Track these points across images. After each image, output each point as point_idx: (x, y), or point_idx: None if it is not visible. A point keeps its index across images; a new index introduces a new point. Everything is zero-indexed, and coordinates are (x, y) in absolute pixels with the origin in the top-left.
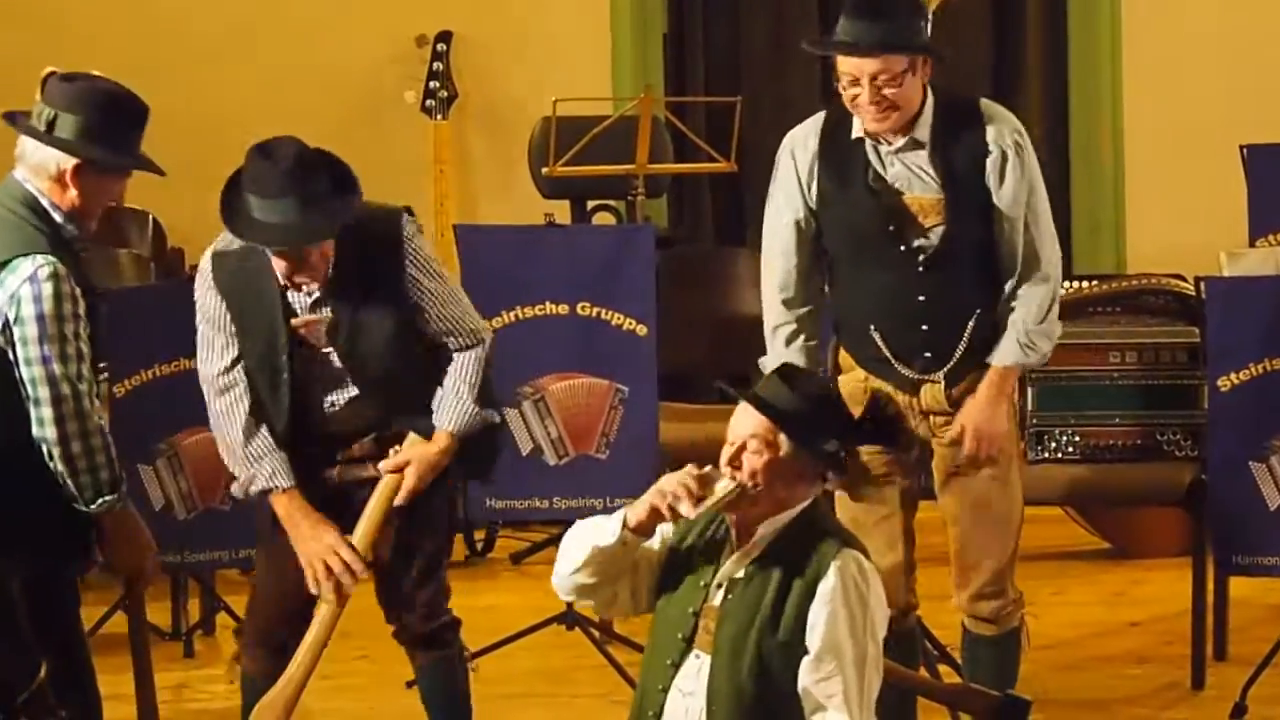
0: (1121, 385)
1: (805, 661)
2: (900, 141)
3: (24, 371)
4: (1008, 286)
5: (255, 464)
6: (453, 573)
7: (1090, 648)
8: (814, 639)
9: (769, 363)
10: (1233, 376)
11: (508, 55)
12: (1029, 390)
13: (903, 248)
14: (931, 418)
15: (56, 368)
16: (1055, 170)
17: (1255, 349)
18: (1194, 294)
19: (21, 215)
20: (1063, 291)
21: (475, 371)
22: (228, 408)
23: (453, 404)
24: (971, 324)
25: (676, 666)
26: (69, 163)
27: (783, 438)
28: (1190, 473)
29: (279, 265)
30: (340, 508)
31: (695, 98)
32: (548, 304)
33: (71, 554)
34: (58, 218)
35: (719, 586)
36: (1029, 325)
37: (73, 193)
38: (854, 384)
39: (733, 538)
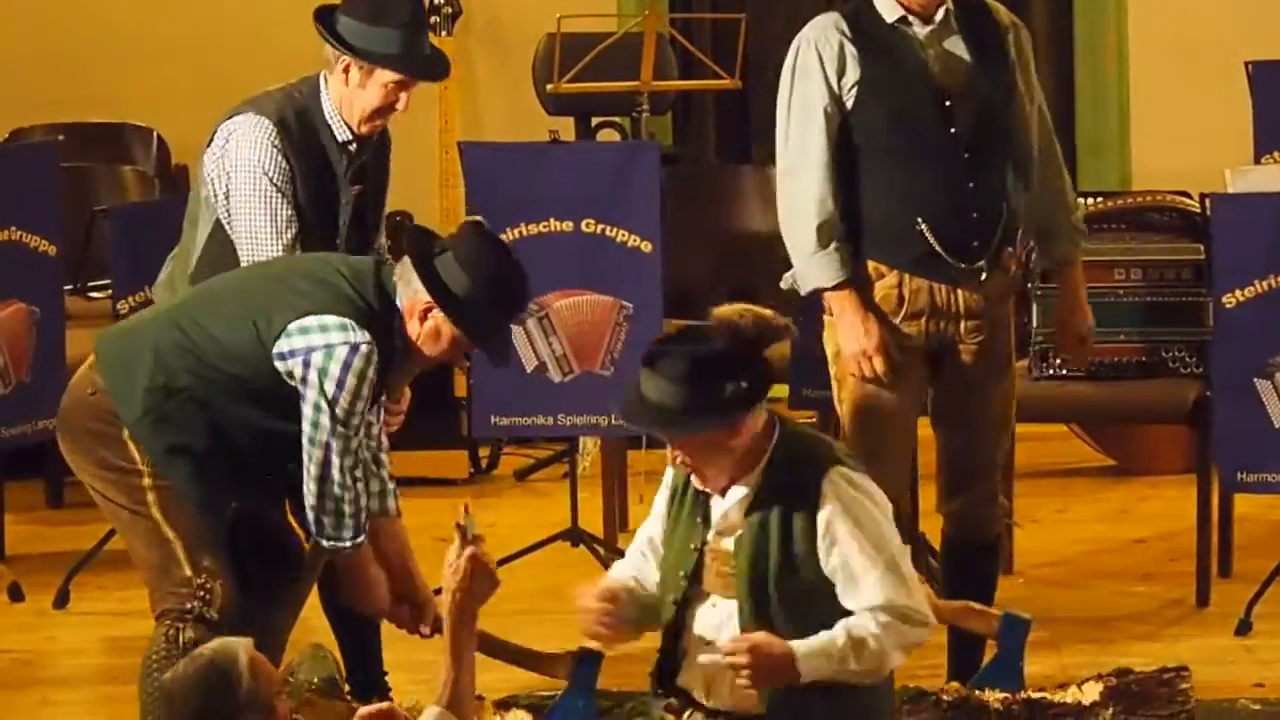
0: (1126, 302)
1: (840, 592)
2: (939, 17)
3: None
4: (1037, 177)
5: None
6: (457, 490)
7: (1094, 565)
8: (835, 569)
9: (801, 272)
10: (1237, 293)
11: None
12: (1034, 307)
13: (952, 130)
14: (963, 322)
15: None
16: (1059, 88)
17: (1260, 265)
18: (1199, 211)
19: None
20: (1093, 204)
21: None
22: None
23: None
24: (1005, 212)
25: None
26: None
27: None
28: (1195, 390)
29: (369, 106)
30: None
31: (700, 14)
32: (552, 221)
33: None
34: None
35: (719, 534)
36: (1074, 217)
37: None
38: (887, 290)
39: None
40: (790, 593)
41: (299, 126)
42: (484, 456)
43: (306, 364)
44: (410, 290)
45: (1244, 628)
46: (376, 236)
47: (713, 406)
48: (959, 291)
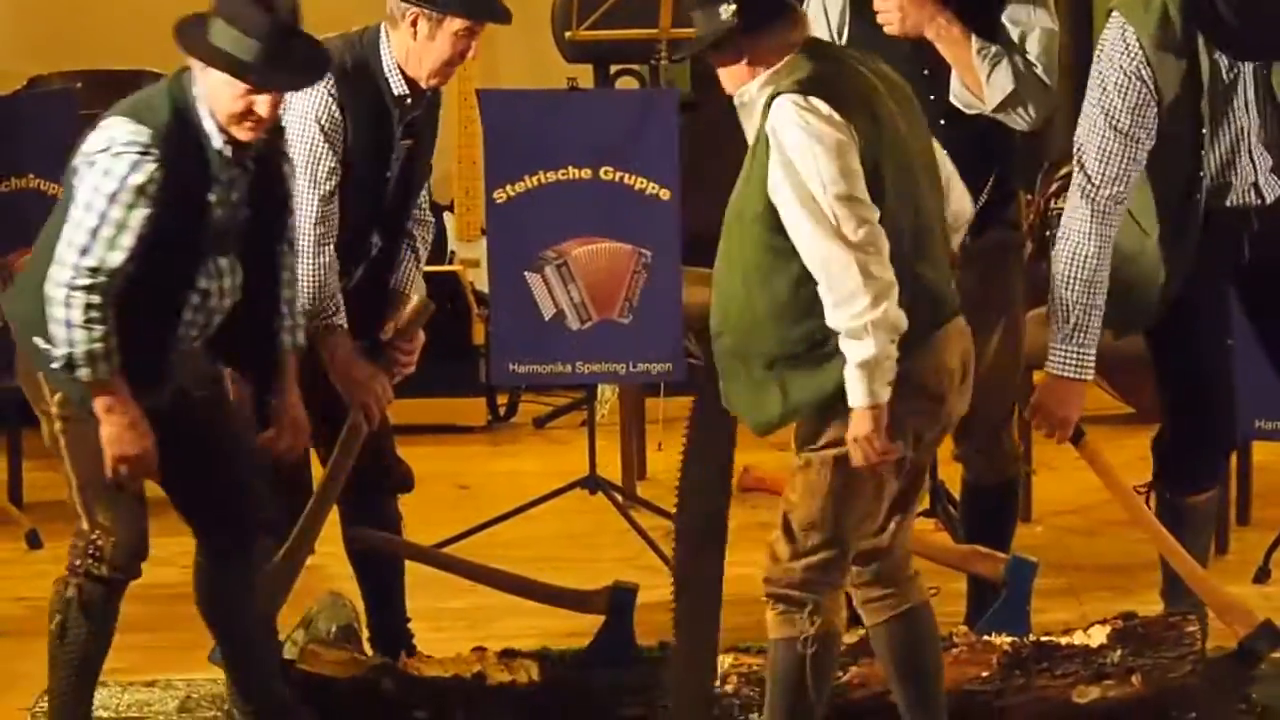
0: None
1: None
2: None
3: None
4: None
5: (331, 299)
6: (475, 437)
7: (1113, 513)
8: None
9: None
10: None
11: None
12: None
13: (932, 97)
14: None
15: None
16: (1078, 49)
17: None
18: None
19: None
20: None
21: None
22: (322, 236)
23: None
24: (993, 172)
25: None
26: None
27: None
28: None
29: (440, 58)
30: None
31: None
32: (570, 169)
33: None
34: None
35: None
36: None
37: None
38: None
39: None
40: (751, 229)
41: (356, 76)
42: (502, 404)
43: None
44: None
45: (1263, 575)
46: (419, 194)
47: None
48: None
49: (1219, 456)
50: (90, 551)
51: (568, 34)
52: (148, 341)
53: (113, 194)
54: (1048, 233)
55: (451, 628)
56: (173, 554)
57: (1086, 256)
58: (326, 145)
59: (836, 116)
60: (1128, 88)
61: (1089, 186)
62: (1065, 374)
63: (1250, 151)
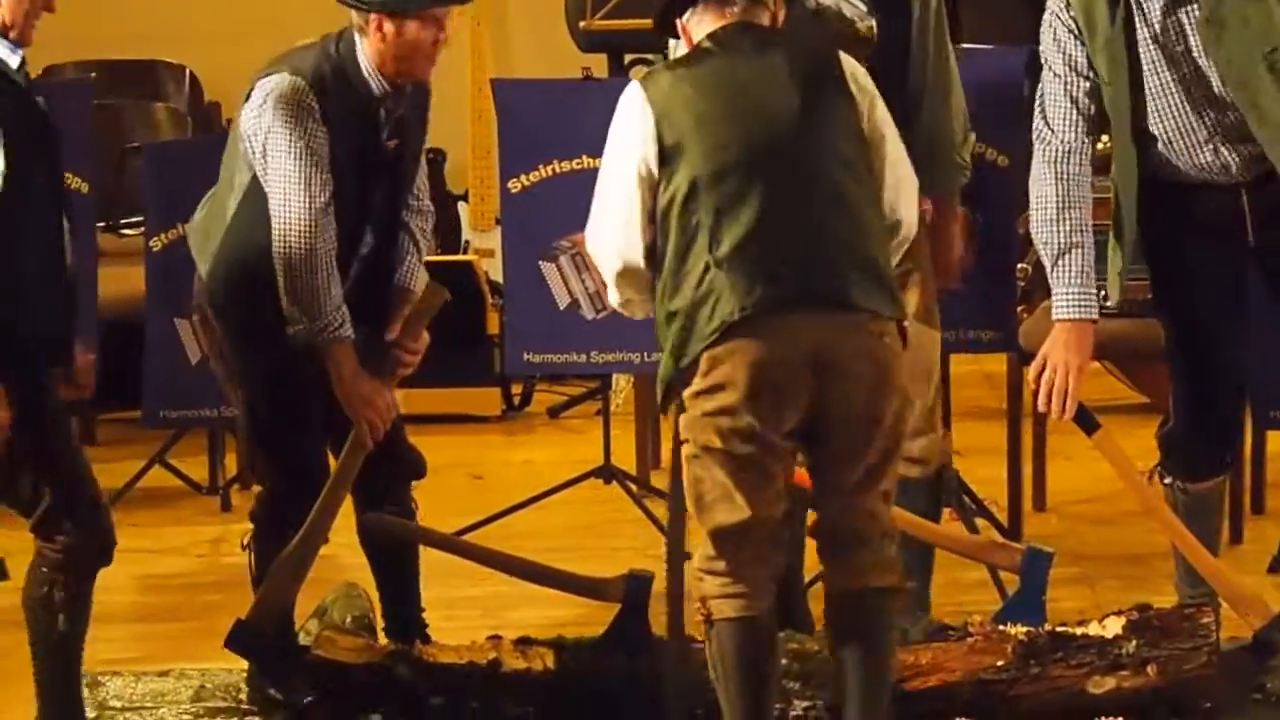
0: None
1: None
2: None
3: None
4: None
5: (337, 311)
6: (490, 427)
7: (1127, 502)
8: None
9: None
10: None
11: None
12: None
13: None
14: None
15: None
16: None
17: None
18: None
19: None
20: (1101, 145)
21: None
22: (322, 250)
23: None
24: None
25: None
26: None
27: None
28: None
29: (413, 51)
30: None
31: None
32: (584, 158)
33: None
34: None
35: None
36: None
37: None
38: None
39: None
40: None
41: (335, 84)
42: (517, 394)
43: None
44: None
45: (1277, 565)
46: (410, 190)
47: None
48: None
49: (1224, 449)
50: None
51: (582, 23)
52: None
53: None
54: None
55: (466, 616)
56: (186, 544)
57: (1046, 198)
58: (315, 160)
59: (638, 102)
60: (1056, 27)
61: (1043, 130)
62: (1059, 315)
63: (1202, 113)
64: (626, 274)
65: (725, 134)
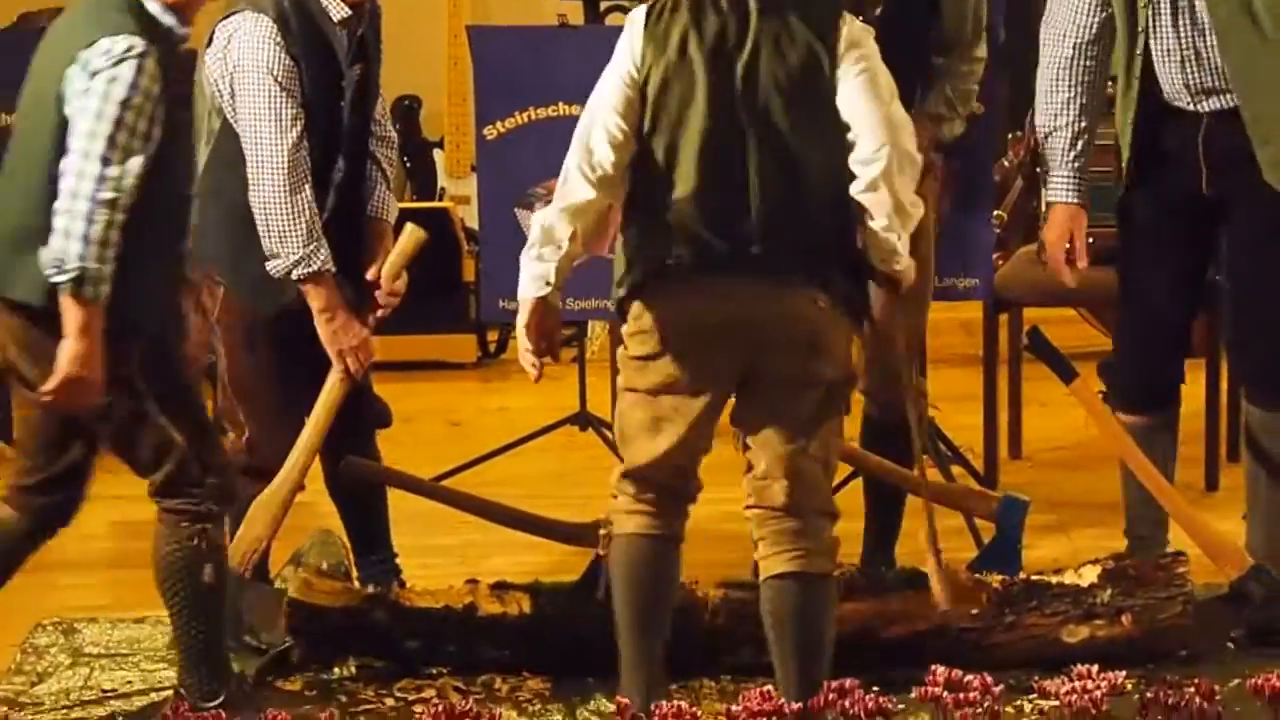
0: None
1: None
2: None
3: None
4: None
5: (317, 243)
6: (465, 373)
7: (1102, 448)
8: None
9: None
10: None
11: None
12: (1043, 191)
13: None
14: None
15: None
16: None
17: None
18: None
19: (112, 4)
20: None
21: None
22: (296, 183)
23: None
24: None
25: None
26: None
27: None
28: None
29: None
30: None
31: None
32: (560, 105)
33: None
34: (154, 8)
35: None
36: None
37: None
38: None
39: None
40: None
41: (297, 16)
42: (493, 341)
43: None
44: None
45: None
46: (374, 113)
47: None
48: None
49: (1161, 386)
50: None
51: None
52: None
53: None
54: (1038, 169)
55: (442, 565)
56: None
57: (1039, 86)
58: (285, 94)
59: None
60: None
61: (1045, 37)
62: (1047, 199)
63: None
64: (586, 168)
65: (690, 88)
